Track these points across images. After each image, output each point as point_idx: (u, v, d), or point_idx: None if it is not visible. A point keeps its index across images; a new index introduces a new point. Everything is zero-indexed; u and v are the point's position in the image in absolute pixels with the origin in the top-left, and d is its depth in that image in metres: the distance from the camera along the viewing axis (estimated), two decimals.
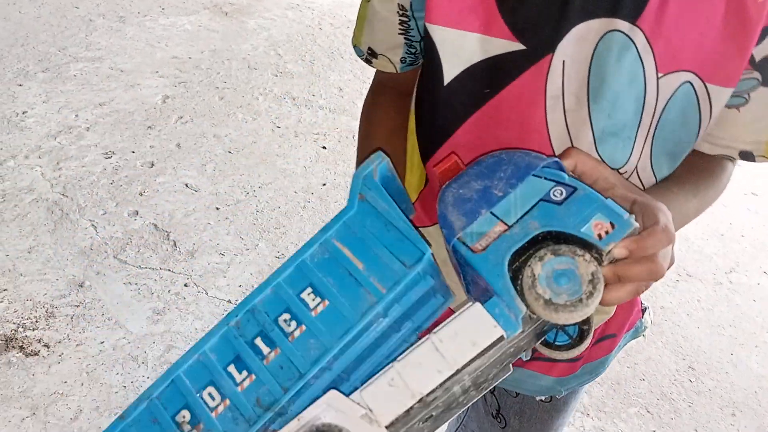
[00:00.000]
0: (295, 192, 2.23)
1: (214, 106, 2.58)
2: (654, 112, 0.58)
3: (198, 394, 0.44)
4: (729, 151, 0.63)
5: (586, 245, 0.42)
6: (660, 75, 0.56)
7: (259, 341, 0.44)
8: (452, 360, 0.41)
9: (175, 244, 1.94)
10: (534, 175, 0.46)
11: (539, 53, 0.57)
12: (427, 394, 0.41)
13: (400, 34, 0.65)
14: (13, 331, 1.61)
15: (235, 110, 2.59)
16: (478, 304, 0.42)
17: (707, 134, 0.62)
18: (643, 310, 0.84)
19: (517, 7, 0.57)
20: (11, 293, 1.70)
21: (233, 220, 2.06)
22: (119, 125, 2.39)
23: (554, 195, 0.45)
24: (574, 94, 0.58)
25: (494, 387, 0.91)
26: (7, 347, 1.58)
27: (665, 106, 0.58)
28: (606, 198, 0.44)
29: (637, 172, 0.62)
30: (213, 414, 0.43)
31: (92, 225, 1.95)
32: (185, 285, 1.82)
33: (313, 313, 0.44)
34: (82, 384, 1.53)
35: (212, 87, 2.70)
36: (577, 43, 0.56)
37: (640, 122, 0.58)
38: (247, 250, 1.98)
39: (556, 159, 0.48)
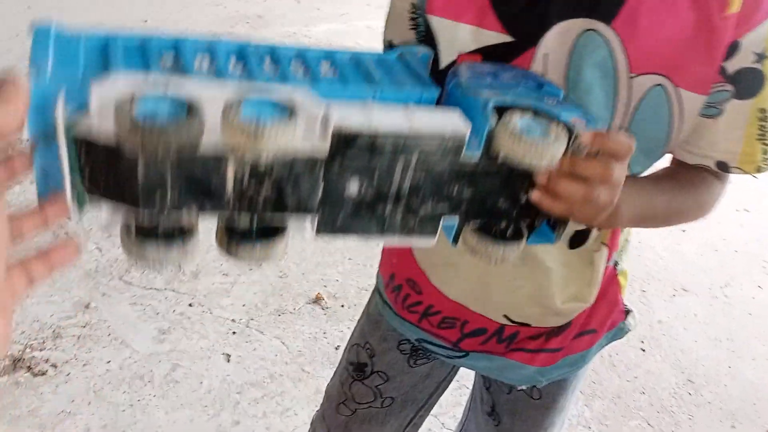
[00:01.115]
0: None
1: None
2: (627, 109, 0.63)
3: (194, 55, 0.47)
4: (706, 161, 0.67)
5: (563, 125, 0.48)
6: (632, 75, 0.62)
7: (267, 61, 0.49)
8: (413, 122, 0.44)
9: (179, 265, 1.97)
10: (537, 83, 0.56)
11: (524, 45, 0.63)
12: (382, 133, 0.43)
13: (411, 29, 0.70)
14: (20, 352, 1.63)
15: None
16: (458, 109, 0.47)
17: (686, 143, 0.67)
18: (627, 312, 0.88)
19: (507, 2, 0.63)
20: (18, 315, 1.72)
21: None
22: None
23: (548, 100, 0.51)
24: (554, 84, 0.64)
25: (490, 383, 0.94)
26: (15, 367, 1.59)
27: (638, 104, 0.63)
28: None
29: None
30: (194, 67, 0.46)
31: (97, 248, 1.99)
32: (190, 305, 1.85)
33: (321, 73, 0.50)
34: (89, 403, 1.55)
35: None
36: (558, 38, 0.62)
37: (612, 115, 0.63)
38: (250, 270, 2.01)
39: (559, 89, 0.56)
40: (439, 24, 0.65)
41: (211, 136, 0.40)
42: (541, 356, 0.83)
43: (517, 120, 0.47)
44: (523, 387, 0.89)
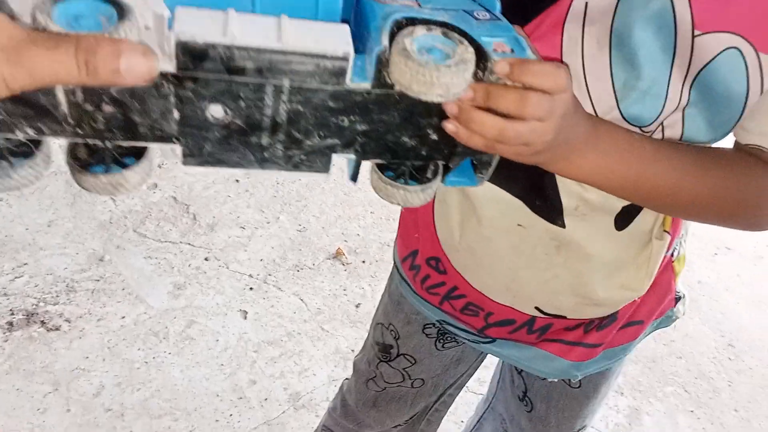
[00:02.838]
0: None
1: None
2: (687, 73, 0.50)
3: None
4: (764, 140, 0.53)
5: (478, 49, 0.39)
6: (697, 33, 0.48)
7: None
8: (282, 37, 0.36)
9: (194, 218, 1.90)
10: None
11: None
12: (239, 48, 0.35)
13: None
14: (34, 306, 1.59)
15: None
16: (346, 25, 0.39)
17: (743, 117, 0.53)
18: (678, 299, 0.77)
19: None
20: (32, 267, 1.68)
21: (253, 193, 2.02)
22: None
23: (477, 15, 0.43)
24: (595, 37, 0.51)
25: (520, 369, 0.86)
26: (29, 322, 1.56)
27: (702, 69, 0.50)
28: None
29: (663, 127, 0.54)
30: None
31: (111, 198, 1.92)
32: (206, 259, 1.78)
33: None
34: (104, 359, 1.51)
35: None
36: None
37: (668, 81, 0.51)
38: (268, 223, 1.93)
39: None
40: None
41: None
42: (578, 350, 0.73)
43: (415, 39, 0.38)
44: (554, 380, 0.80)
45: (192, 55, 0.34)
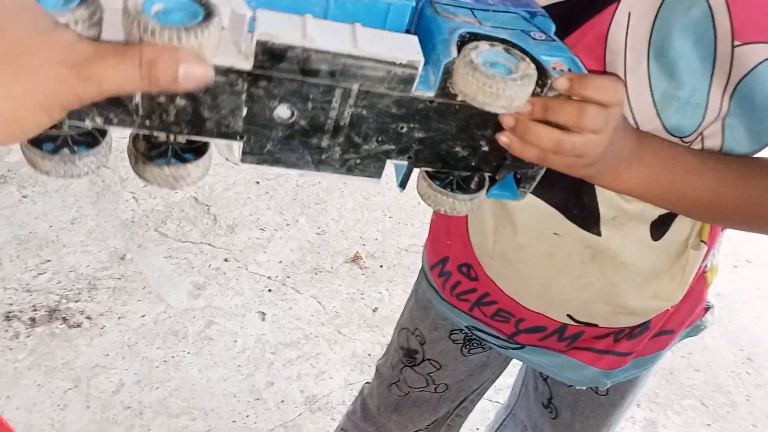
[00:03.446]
0: None
1: None
2: (727, 83, 0.51)
3: None
4: None
5: (538, 67, 0.41)
6: (737, 44, 0.48)
7: None
8: (358, 43, 0.37)
9: (215, 218, 1.91)
10: (529, 11, 0.47)
11: (604, 1, 0.51)
12: (317, 51, 0.36)
13: None
14: (56, 303, 1.61)
15: None
16: (415, 36, 0.41)
17: None
18: (707, 309, 0.77)
19: None
20: (54, 264, 1.70)
21: (273, 195, 2.03)
22: None
23: (534, 35, 0.45)
24: (636, 48, 0.52)
25: (546, 376, 0.86)
26: (51, 318, 1.58)
27: (742, 78, 0.50)
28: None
29: (702, 138, 0.55)
30: None
31: (133, 197, 1.94)
32: (225, 260, 1.80)
33: None
34: (124, 357, 1.53)
35: None
36: None
37: (708, 91, 0.51)
38: (288, 225, 1.94)
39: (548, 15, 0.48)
40: None
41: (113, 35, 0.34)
42: (608, 358, 0.73)
43: (480, 53, 0.40)
44: (583, 387, 0.80)
45: (271, 54, 0.36)
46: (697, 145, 0.55)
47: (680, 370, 1.77)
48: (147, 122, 0.38)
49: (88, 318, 1.60)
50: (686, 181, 0.52)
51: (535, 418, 0.90)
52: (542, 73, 0.41)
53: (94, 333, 1.57)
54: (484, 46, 0.40)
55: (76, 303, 1.62)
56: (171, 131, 0.39)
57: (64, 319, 1.58)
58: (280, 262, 1.83)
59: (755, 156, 0.56)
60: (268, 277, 1.78)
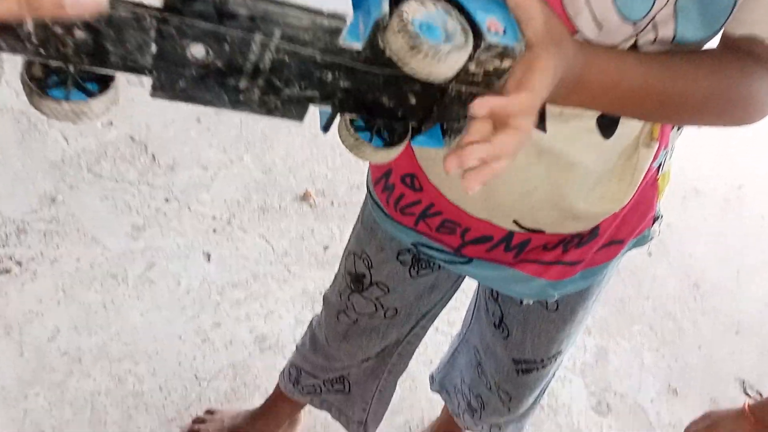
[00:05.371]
0: None
1: None
2: None
3: None
4: (759, 29, 0.51)
5: (473, 27, 0.40)
6: None
7: None
8: None
9: (153, 157, 1.80)
10: None
11: None
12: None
13: None
14: None
15: None
16: None
17: (737, 9, 0.51)
18: (656, 218, 0.75)
19: None
20: None
21: (215, 132, 1.92)
22: None
23: None
24: None
25: (498, 294, 0.83)
26: None
27: None
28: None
29: (655, 24, 0.51)
30: None
31: (63, 136, 1.81)
32: (166, 200, 1.70)
33: None
34: (59, 303, 1.44)
35: None
36: None
37: None
38: (232, 163, 1.85)
39: None
40: None
41: None
42: (556, 269, 0.70)
43: (414, 18, 0.38)
44: (530, 301, 0.77)
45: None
46: (650, 35, 0.52)
47: (631, 299, 1.79)
48: (42, 51, 0.34)
49: (18, 263, 1.49)
50: (631, 98, 0.50)
51: (488, 340, 0.88)
52: (477, 35, 0.39)
53: (26, 278, 1.47)
54: (419, 7, 0.38)
55: (4, 248, 1.51)
56: (70, 61, 0.35)
57: None
58: (225, 201, 1.74)
59: (703, 48, 0.54)
60: (213, 217, 1.70)
